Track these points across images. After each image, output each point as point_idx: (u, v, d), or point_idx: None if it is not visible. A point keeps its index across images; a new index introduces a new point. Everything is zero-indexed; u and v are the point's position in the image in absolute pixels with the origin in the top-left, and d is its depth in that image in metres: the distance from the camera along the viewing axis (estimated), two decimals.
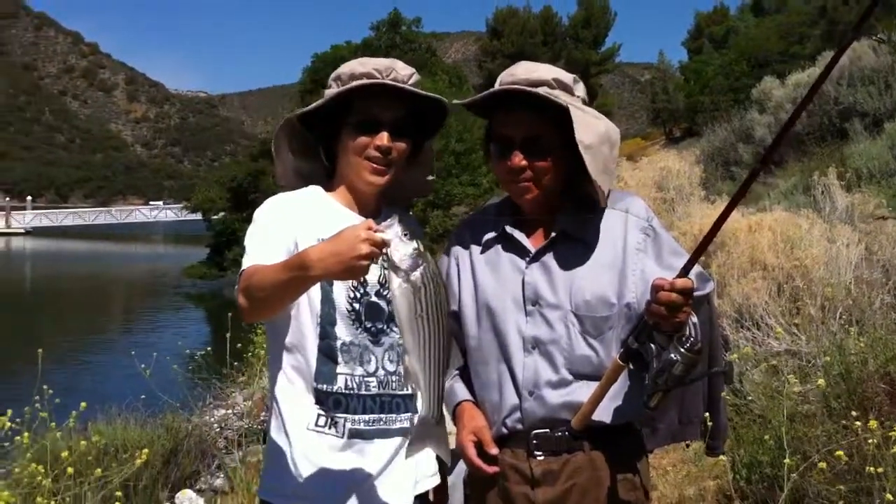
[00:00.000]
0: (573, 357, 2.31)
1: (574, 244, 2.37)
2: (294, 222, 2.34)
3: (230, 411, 8.37)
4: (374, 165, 2.37)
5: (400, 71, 2.40)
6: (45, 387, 5.30)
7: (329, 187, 2.48)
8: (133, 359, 6.89)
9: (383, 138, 2.34)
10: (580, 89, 2.40)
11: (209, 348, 8.56)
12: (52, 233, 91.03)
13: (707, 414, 2.61)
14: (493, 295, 2.40)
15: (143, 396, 6.94)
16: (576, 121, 2.25)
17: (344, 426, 2.33)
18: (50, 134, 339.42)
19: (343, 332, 2.33)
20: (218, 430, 7.85)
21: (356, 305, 2.36)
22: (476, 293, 2.44)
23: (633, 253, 2.36)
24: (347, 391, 2.33)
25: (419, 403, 2.25)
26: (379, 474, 2.36)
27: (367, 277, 2.32)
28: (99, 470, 4.40)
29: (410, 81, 2.41)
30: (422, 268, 1.97)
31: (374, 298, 2.39)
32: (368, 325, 2.37)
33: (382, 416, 2.37)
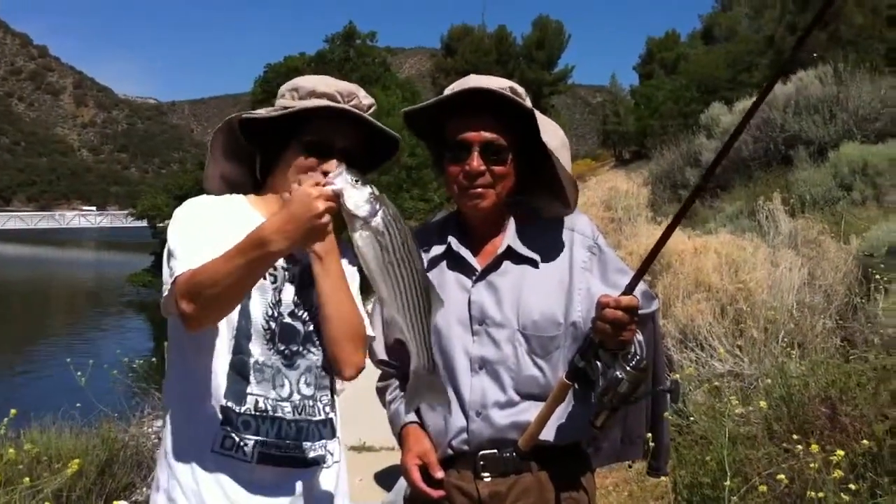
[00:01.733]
0: (520, 377, 2.27)
1: (521, 262, 2.33)
2: (216, 227, 2.16)
3: None
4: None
5: (362, 99, 2.31)
6: None
7: (254, 199, 2.33)
8: (70, 367, 6.69)
9: (332, 164, 2.16)
10: (528, 103, 2.36)
11: (153, 358, 8.36)
12: None
13: (650, 434, 2.59)
14: (439, 316, 2.29)
15: (78, 405, 6.75)
16: (542, 124, 2.24)
17: (253, 450, 2.13)
18: None
19: (257, 349, 2.16)
20: (156, 440, 7.63)
21: (272, 324, 2.20)
22: None
23: (579, 271, 2.33)
24: (258, 413, 2.15)
25: (413, 356, 2.07)
26: None
27: (282, 297, 2.21)
28: (28, 479, 4.24)
29: (369, 112, 2.32)
30: (381, 211, 1.87)
31: (287, 319, 2.22)
32: (282, 348, 2.20)
33: (298, 442, 2.20)
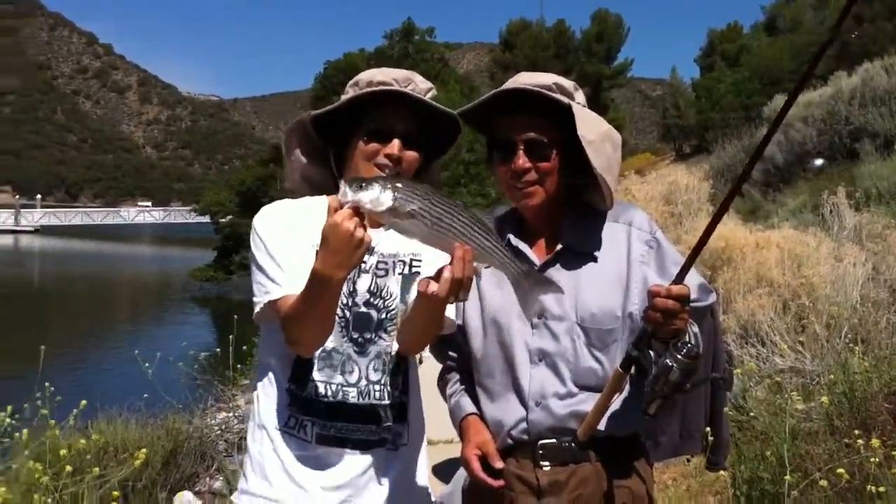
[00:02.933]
0: (579, 369, 2.31)
1: (579, 257, 2.36)
2: (295, 232, 2.31)
3: (231, 414, 8.32)
4: (383, 174, 2.31)
5: (419, 84, 2.38)
6: (46, 384, 5.29)
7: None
8: (136, 360, 6.87)
9: (395, 146, 2.30)
10: (580, 96, 2.40)
11: (217, 350, 8.54)
12: (61, 231, 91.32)
13: (709, 429, 2.60)
14: (498, 309, 2.39)
15: (145, 396, 6.93)
16: (578, 117, 2.26)
17: (312, 430, 2.29)
18: (62, 133, 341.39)
19: (331, 338, 2.27)
20: (218, 432, 7.80)
21: (346, 313, 2.32)
22: (482, 307, 2.44)
23: (636, 265, 2.35)
24: (320, 397, 2.29)
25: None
26: (352, 485, 2.30)
27: (357, 286, 2.32)
28: (97, 469, 4.38)
29: (428, 95, 2.38)
30: (397, 192, 1.90)
31: (362, 308, 2.34)
32: (355, 336, 2.33)
33: (360, 426, 2.31)
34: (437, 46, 58.95)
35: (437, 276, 1.93)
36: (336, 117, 2.37)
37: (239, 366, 7.74)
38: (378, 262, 2.36)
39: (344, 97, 2.38)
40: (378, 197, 1.88)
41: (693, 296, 2.14)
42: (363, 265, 2.31)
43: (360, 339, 2.33)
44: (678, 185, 13.53)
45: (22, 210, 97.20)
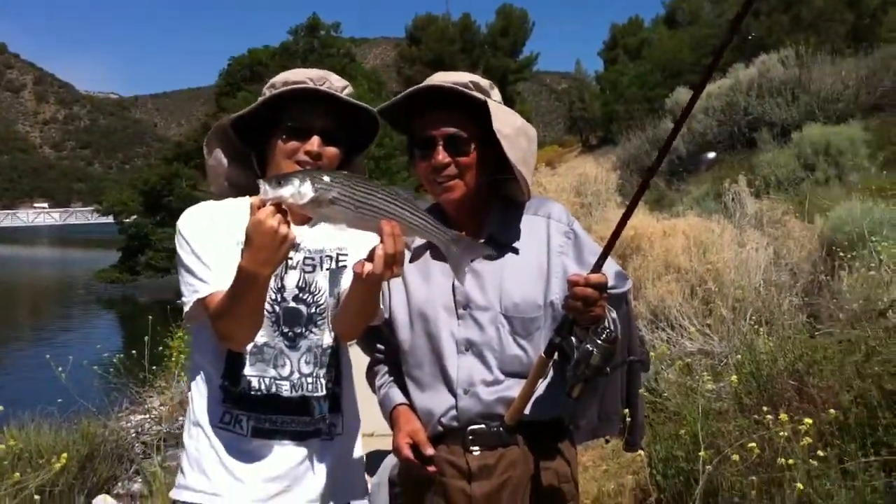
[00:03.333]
0: (504, 357, 2.39)
1: (501, 248, 2.44)
2: (219, 231, 2.34)
3: (147, 416, 8.20)
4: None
5: (334, 82, 2.41)
6: None
7: None
8: (45, 365, 6.71)
9: (314, 143, 2.33)
10: (496, 94, 2.49)
11: (130, 352, 8.38)
12: None
13: (626, 411, 2.70)
14: (425, 301, 2.45)
15: (59, 401, 6.77)
16: (493, 113, 2.35)
17: (247, 424, 2.32)
18: None
19: (262, 333, 2.30)
20: (135, 434, 7.68)
21: (276, 308, 2.35)
22: (408, 300, 2.49)
23: (556, 255, 2.45)
24: (253, 392, 2.32)
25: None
26: (289, 475, 2.34)
27: (285, 282, 2.35)
28: (17, 474, 4.30)
29: (344, 93, 2.42)
30: (315, 182, 1.93)
31: (292, 304, 2.37)
32: (286, 331, 2.36)
33: (294, 417, 2.35)
34: (342, 42, 58.62)
35: (371, 257, 1.97)
36: (255, 119, 2.40)
37: (154, 367, 7.64)
38: (305, 258, 2.40)
39: (261, 99, 2.40)
40: (298, 190, 1.92)
41: (610, 283, 2.26)
42: (290, 261, 2.35)
43: (290, 334, 2.36)
44: (587, 177, 13.84)
45: None
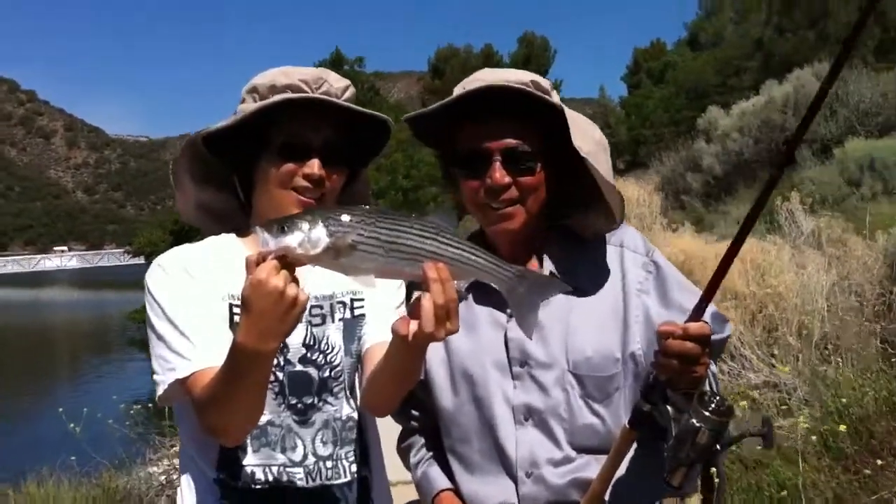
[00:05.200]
0: (575, 427, 1.89)
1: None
2: (200, 284, 1.86)
3: (172, 466, 7.85)
4: (303, 199, 1.87)
5: (333, 83, 1.93)
6: None
7: (246, 231, 1.99)
8: (72, 414, 6.51)
9: (314, 165, 1.86)
10: (556, 98, 1.97)
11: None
12: None
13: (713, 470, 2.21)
14: (469, 358, 1.96)
15: (72, 458, 6.56)
16: (572, 123, 1.86)
17: None
18: None
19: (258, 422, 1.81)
20: (159, 486, 7.32)
21: (278, 374, 1.86)
22: (448, 357, 2.00)
23: (634, 294, 1.95)
24: (259, 485, 1.83)
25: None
26: None
27: (289, 340, 1.83)
28: None
29: (345, 96, 1.95)
30: (330, 225, 1.46)
31: (299, 367, 1.89)
32: (293, 402, 1.88)
33: None
34: (366, 76, 58.92)
35: (414, 311, 1.49)
36: (235, 133, 1.90)
37: None
38: (312, 307, 1.90)
39: (242, 107, 1.91)
40: (308, 236, 1.45)
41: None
42: None
43: (300, 406, 1.88)
44: (629, 200, 13.41)
45: None
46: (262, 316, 1.47)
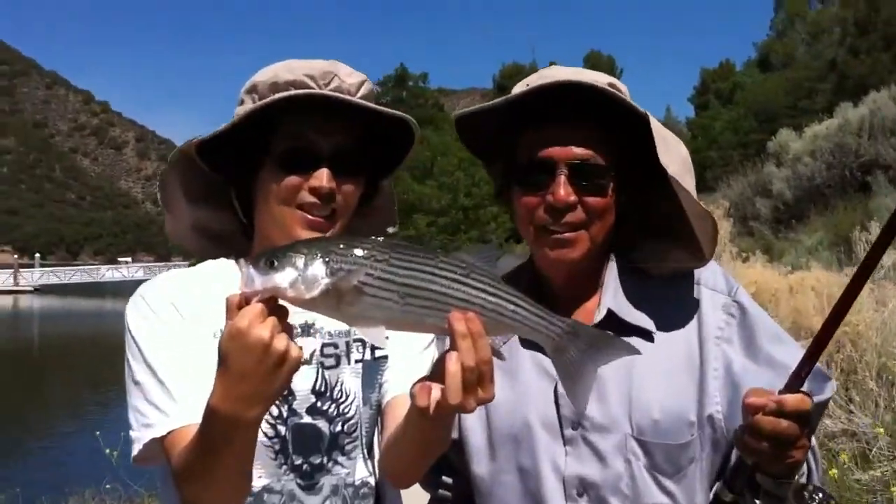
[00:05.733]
0: None
1: (628, 333, 1.61)
2: (188, 321, 1.59)
3: None
4: (311, 217, 1.59)
5: (344, 78, 1.63)
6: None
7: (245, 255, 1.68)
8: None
9: (322, 177, 1.57)
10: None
11: None
12: (61, 290, 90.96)
13: None
14: (512, 415, 1.67)
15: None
16: (658, 136, 1.56)
17: None
18: (60, 191, 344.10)
19: (259, 469, 1.54)
20: None
21: (280, 429, 1.59)
22: (487, 414, 1.69)
23: (713, 343, 1.62)
24: None
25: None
26: None
27: (295, 385, 1.57)
28: None
29: (360, 93, 1.66)
30: (332, 260, 1.19)
31: (306, 419, 1.60)
32: (298, 462, 1.59)
33: None
34: (431, 92, 59.24)
35: (437, 375, 1.20)
36: (231, 140, 1.62)
37: None
38: (323, 345, 1.63)
39: (240, 109, 1.64)
40: (304, 275, 1.18)
41: (804, 388, 1.41)
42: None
43: (305, 468, 1.59)
44: None
45: (21, 270, 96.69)
46: (243, 376, 1.20)
